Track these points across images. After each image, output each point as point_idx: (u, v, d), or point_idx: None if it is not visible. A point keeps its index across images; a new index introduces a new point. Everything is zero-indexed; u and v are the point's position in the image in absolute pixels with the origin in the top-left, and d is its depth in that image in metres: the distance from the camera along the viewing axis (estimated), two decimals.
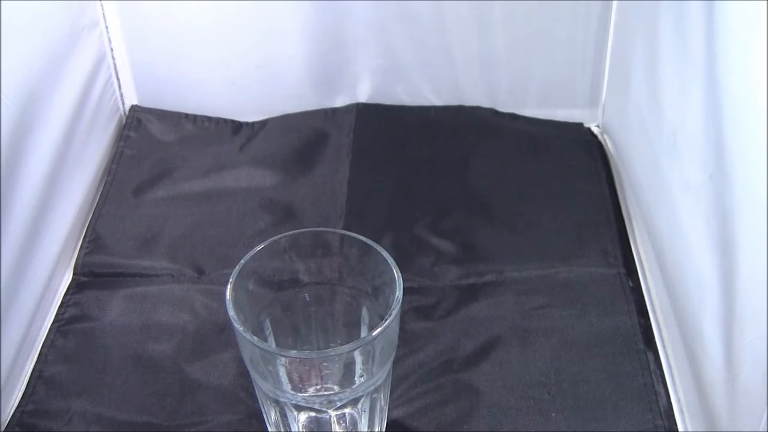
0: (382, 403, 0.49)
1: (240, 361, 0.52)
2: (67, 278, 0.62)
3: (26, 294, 0.57)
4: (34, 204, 0.58)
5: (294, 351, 0.48)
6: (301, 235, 0.49)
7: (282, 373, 0.45)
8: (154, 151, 0.73)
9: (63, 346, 0.57)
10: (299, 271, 0.49)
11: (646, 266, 0.62)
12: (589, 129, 0.76)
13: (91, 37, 0.69)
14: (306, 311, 0.50)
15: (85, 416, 0.53)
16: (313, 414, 0.47)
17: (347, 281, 0.49)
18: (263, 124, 0.75)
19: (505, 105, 0.76)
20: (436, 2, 0.70)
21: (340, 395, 0.46)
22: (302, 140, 0.73)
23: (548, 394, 0.54)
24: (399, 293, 0.44)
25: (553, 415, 0.52)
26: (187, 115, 0.76)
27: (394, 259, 0.46)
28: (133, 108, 0.76)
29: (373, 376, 0.46)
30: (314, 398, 0.46)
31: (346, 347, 0.42)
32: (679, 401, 0.54)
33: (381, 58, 0.74)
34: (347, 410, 0.47)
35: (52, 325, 0.59)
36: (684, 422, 0.52)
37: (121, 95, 0.75)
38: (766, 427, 0.41)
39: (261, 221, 0.66)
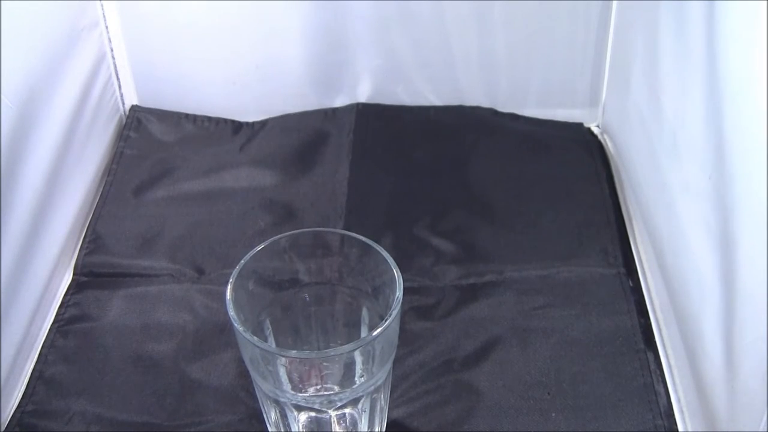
0: (382, 403, 0.49)
1: (240, 361, 0.52)
2: (67, 278, 0.62)
3: (26, 294, 0.57)
4: (34, 204, 0.58)
5: (294, 351, 0.48)
6: (301, 235, 0.49)
7: (282, 373, 0.45)
8: (154, 151, 0.73)
9: (63, 346, 0.57)
10: (299, 271, 0.49)
11: (646, 266, 0.62)
12: (589, 129, 0.76)
13: (91, 37, 0.69)
14: (306, 311, 0.50)
15: (85, 416, 0.53)
16: (313, 414, 0.47)
17: (347, 281, 0.49)
18: (263, 124, 0.76)
19: (505, 105, 0.76)
20: (436, 2, 0.70)
21: (340, 395, 0.46)
22: (302, 140, 0.73)
23: (548, 394, 0.54)
24: (399, 293, 0.44)
25: (553, 415, 0.52)
26: (187, 115, 0.76)
27: (394, 259, 0.46)
28: (133, 108, 0.76)
29: (373, 376, 0.46)
30: (314, 398, 0.46)
31: (346, 347, 0.42)
32: (679, 401, 0.54)
33: (381, 58, 0.74)
34: (347, 410, 0.47)
35: (52, 325, 0.59)
36: (684, 422, 0.52)
37: (121, 95, 0.75)
38: (766, 427, 0.41)
39: (261, 221, 0.66)
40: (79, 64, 0.67)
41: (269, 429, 0.50)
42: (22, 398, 0.54)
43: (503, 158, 0.72)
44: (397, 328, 0.46)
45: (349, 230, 0.50)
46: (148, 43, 0.74)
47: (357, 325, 0.50)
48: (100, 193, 0.69)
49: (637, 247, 0.64)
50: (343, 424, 0.48)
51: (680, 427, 0.52)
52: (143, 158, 0.72)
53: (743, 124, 0.44)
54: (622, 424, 0.52)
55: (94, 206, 0.68)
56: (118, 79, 0.74)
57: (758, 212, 0.41)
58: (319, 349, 0.50)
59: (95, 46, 0.70)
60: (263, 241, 0.48)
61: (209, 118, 0.76)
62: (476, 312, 0.59)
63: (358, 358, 0.45)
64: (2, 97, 0.54)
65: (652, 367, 0.55)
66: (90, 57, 0.69)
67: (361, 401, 0.47)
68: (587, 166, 0.71)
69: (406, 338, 0.56)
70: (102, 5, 0.70)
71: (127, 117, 0.75)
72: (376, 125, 0.75)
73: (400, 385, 0.54)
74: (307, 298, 0.50)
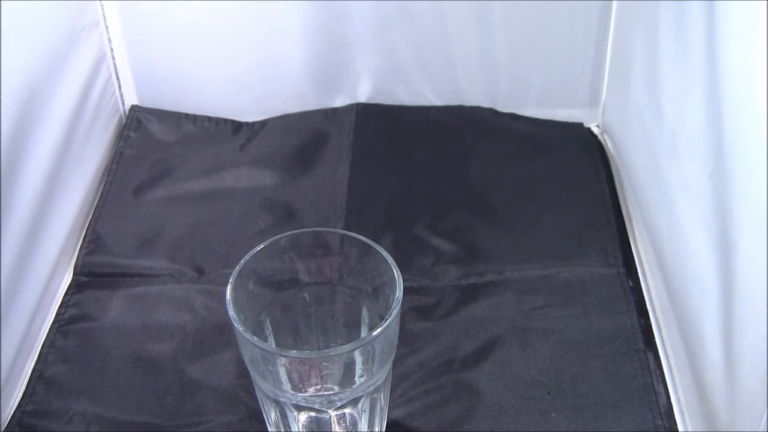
0: (382, 403, 0.49)
1: (240, 361, 0.52)
2: (67, 278, 0.62)
3: (26, 294, 0.57)
4: (34, 204, 0.58)
5: (294, 351, 0.48)
6: (301, 235, 0.49)
7: (282, 373, 0.45)
8: (154, 151, 0.73)
9: (63, 346, 0.57)
10: (299, 271, 0.49)
11: (646, 266, 0.62)
12: (589, 129, 0.76)
13: (91, 37, 0.69)
14: (306, 311, 0.50)
15: (85, 416, 0.53)
16: (313, 414, 0.47)
17: (347, 281, 0.49)
18: (263, 124, 0.75)
19: (505, 105, 0.76)
20: (436, 2, 0.70)
21: (340, 395, 0.46)
22: (302, 140, 0.73)
23: (548, 394, 0.54)
24: (399, 293, 0.44)
25: (553, 415, 0.52)
26: (187, 115, 0.76)
27: (394, 259, 0.46)
28: (133, 108, 0.76)
29: (373, 376, 0.46)
30: (314, 398, 0.46)
31: (346, 347, 0.42)
32: (679, 401, 0.54)
33: (381, 58, 0.74)
34: (347, 410, 0.47)
35: (52, 325, 0.59)
36: (684, 422, 0.52)
37: (121, 95, 0.75)
38: (766, 427, 0.41)
39: (261, 221, 0.66)
40: (79, 64, 0.67)
41: (269, 429, 0.50)
42: (22, 398, 0.54)
43: (503, 158, 0.72)
44: (397, 328, 0.46)
45: (349, 230, 0.50)
46: (148, 43, 0.74)
47: (357, 325, 0.50)
48: (100, 193, 0.69)
49: (637, 247, 0.64)
50: (343, 424, 0.48)
51: (680, 427, 0.52)
52: (143, 158, 0.72)
53: (743, 124, 0.44)
54: (622, 424, 0.52)
55: (94, 206, 0.68)
56: (118, 79, 0.74)
57: (758, 212, 0.41)
58: (319, 349, 0.50)
59: (95, 46, 0.70)
60: (263, 241, 0.48)
61: (209, 118, 0.76)
62: (476, 312, 0.59)
63: (358, 358, 0.45)
64: (2, 97, 0.54)
65: (652, 367, 0.55)
66: (90, 57, 0.69)
67: (361, 401, 0.47)
68: (587, 166, 0.71)
69: (406, 338, 0.56)
70: (102, 5, 0.70)
71: (127, 117, 0.75)
72: (376, 125, 0.75)
73: (400, 385, 0.54)
74: (307, 298, 0.50)
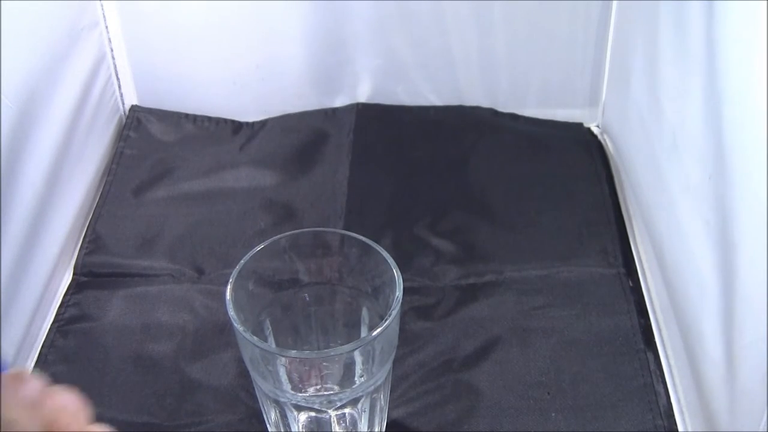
0: (382, 403, 0.49)
1: (240, 361, 0.52)
2: (67, 278, 0.62)
3: (26, 294, 0.57)
4: (34, 204, 0.58)
5: (294, 351, 0.48)
6: (301, 235, 0.49)
7: (282, 373, 0.45)
8: (154, 151, 0.73)
9: (63, 346, 0.57)
10: (299, 271, 0.49)
11: (646, 266, 0.62)
12: (589, 129, 0.76)
13: (91, 37, 0.69)
14: (306, 311, 0.50)
15: None
16: (313, 414, 0.47)
17: (347, 281, 0.49)
18: (263, 124, 0.75)
19: (505, 105, 0.76)
20: (436, 2, 0.70)
21: (340, 395, 0.46)
22: (302, 140, 0.73)
23: (548, 394, 0.54)
24: (399, 293, 0.44)
25: (553, 415, 0.52)
26: (187, 115, 0.76)
27: (394, 259, 0.46)
28: (133, 108, 0.76)
29: (373, 376, 0.46)
30: (314, 398, 0.46)
31: (346, 347, 0.42)
32: (679, 401, 0.54)
33: (381, 58, 0.74)
34: (347, 410, 0.47)
35: (52, 325, 0.59)
36: (684, 422, 0.52)
37: (121, 95, 0.75)
38: (766, 427, 0.41)
39: (261, 221, 0.66)
40: (79, 64, 0.67)
41: (269, 429, 0.50)
42: None
43: (503, 158, 0.72)
44: (397, 328, 0.46)
45: (349, 230, 0.50)
46: (148, 43, 0.74)
47: (357, 325, 0.50)
48: (100, 193, 0.69)
49: (637, 247, 0.64)
50: (343, 424, 0.48)
51: (680, 427, 0.52)
52: (143, 158, 0.72)
53: (743, 124, 0.44)
54: (622, 424, 0.52)
55: (94, 206, 0.68)
56: (118, 79, 0.74)
57: (758, 212, 0.41)
58: (319, 349, 0.50)
59: (95, 46, 0.70)
60: (263, 241, 0.48)
61: (209, 118, 0.76)
62: (476, 312, 0.59)
63: (358, 358, 0.45)
64: (2, 97, 0.54)
65: (652, 367, 0.55)
66: (90, 57, 0.69)
67: (361, 401, 0.47)
68: (587, 166, 0.71)
69: (406, 338, 0.56)
70: (102, 5, 0.70)
71: (127, 117, 0.75)
72: (376, 125, 0.75)
73: (400, 385, 0.54)
74: (307, 298, 0.50)
